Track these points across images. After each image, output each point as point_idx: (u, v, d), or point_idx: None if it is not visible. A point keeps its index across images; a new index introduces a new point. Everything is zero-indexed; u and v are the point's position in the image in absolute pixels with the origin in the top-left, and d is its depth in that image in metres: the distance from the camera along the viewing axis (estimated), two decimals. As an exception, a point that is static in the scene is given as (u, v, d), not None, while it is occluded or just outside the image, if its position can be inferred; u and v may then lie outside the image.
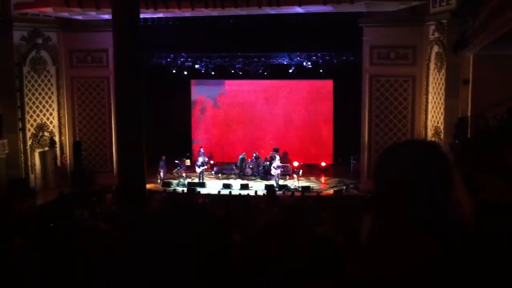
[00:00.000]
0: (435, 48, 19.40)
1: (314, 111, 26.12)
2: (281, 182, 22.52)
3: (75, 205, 19.83)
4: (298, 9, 19.48)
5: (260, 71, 24.19)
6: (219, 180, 23.10)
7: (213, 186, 22.35)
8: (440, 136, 19.05)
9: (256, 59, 23.93)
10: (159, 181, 23.03)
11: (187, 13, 20.27)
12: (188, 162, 23.92)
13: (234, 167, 24.28)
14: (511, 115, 10.85)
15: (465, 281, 1.72)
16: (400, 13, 19.65)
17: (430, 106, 20.28)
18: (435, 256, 1.71)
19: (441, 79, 19.11)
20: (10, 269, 6.42)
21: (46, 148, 22.96)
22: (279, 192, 21.05)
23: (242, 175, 23.71)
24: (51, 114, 23.13)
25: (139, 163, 11.72)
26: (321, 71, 23.38)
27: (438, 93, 19.47)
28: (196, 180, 23.09)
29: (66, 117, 23.68)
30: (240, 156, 24.09)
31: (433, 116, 20.02)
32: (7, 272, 6.26)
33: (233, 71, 24.30)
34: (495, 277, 1.78)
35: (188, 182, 22.82)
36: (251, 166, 23.83)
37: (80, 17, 21.64)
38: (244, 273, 1.97)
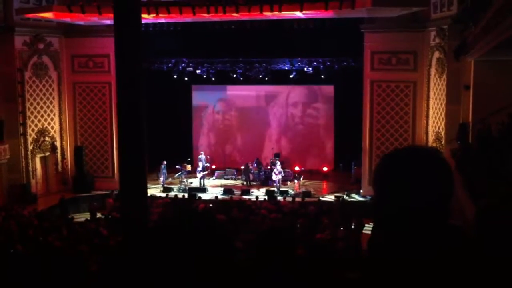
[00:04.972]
0: (436, 54, 19.42)
1: (315, 116, 26.13)
2: (282, 187, 22.50)
3: (76, 210, 19.88)
4: (300, 15, 19.52)
5: (261, 77, 24.17)
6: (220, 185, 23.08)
7: (213, 191, 22.33)
8: (441, 141, 19.04)
9: (257, 65, 23.93)
10: (160, 186, 23.03)
11: (188, 19, 20.31)
12: (189, 167, 23.90)
13: (234, 172, 24.28)
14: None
15: (466, 286, 1.72)
16: (401, 18, 19.70)
17: (431, 112, 20.28)
18: (436, 262, 1.71)
19: (442, 84, 19.12)
20: (12, 274, 6.41)
21: (47, 153, 22.97)
22: (280, 198, 21.04)
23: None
24: (52, 119, 23.15)
25: (140, 168, 11.72)
26: (322, 76, 23.37)
27: (439, 99, 19.48)
28: (197, 185, 23.06)
29: (67, 122, 23.69)
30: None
31: (434, 122, 20.02)
32: (9, 277, 6.26)
33: (234, 77, 24.29)
34: (496, 283, 1.78)
35: (189, 188, 22.80)
36: (252, 172, 23.81)
37: (81, 23, 21.68)
38: (245, 277, 1.97)
